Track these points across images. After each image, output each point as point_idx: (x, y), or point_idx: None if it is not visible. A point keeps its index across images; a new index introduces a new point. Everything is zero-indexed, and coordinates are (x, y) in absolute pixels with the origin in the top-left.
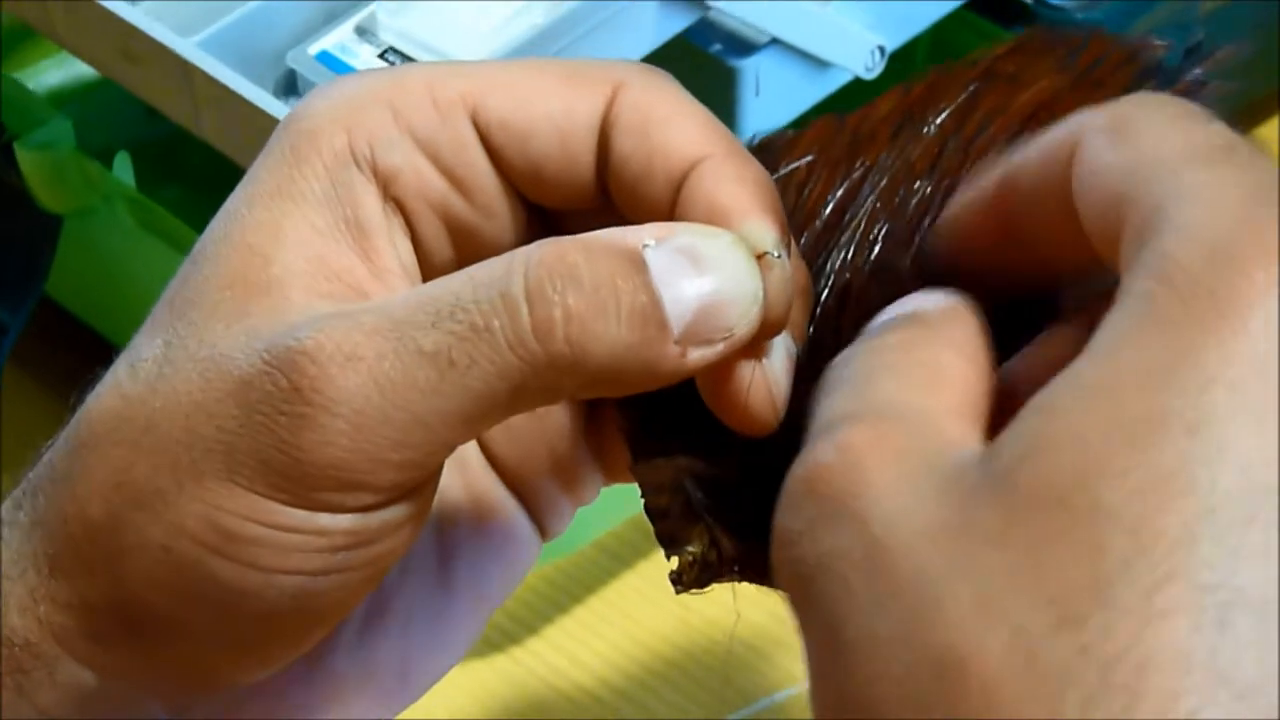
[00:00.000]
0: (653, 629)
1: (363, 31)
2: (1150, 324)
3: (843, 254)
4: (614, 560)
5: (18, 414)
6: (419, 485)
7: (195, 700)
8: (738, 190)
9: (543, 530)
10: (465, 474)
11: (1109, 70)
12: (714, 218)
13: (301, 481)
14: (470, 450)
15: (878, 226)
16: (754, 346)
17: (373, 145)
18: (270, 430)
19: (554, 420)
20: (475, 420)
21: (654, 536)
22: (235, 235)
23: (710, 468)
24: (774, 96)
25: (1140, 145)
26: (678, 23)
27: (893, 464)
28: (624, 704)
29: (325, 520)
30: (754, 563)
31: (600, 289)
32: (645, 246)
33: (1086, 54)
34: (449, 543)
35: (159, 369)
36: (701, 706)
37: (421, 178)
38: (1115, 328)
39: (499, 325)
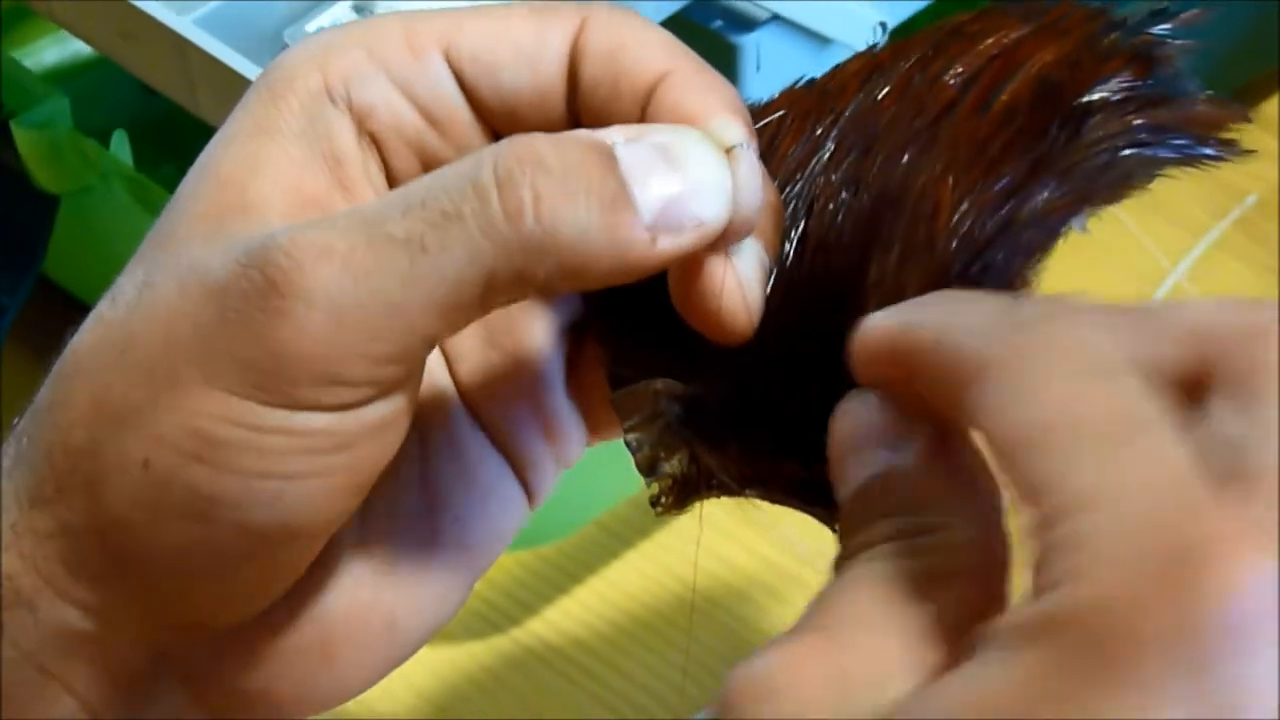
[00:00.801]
0: (654, 609)
1: (360, 9)
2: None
3: (813, 177)
4: (615, 540)
5: (17, 394)
6: (396, 385)
7: (178, 644)
8: (703, 96)
9: (528, 490)
10: (450, 428)
11: (1073, 23)
12: (681, 122)
13: (278, 377)
14: (454, 404)
15: (846, 152)
16: (724, 241)
17: (348, 82)
18: (246, 327)
19: (536, 371)
20: (449, 309)
21: (650, 505)
22: (212, 169)
23: (687, 388)
24: (775, 73)
25: (1042, 405)
26: None
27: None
28: (625, 685)
29: (302, 419)
30: (730, 473)
31: (569, 174)
32: (614, 144)
33: (1050, 15)
34: (433, 492)
35: (138, 293)
36: (702, 687)
37: (396, 113)
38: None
39: (469, 210)
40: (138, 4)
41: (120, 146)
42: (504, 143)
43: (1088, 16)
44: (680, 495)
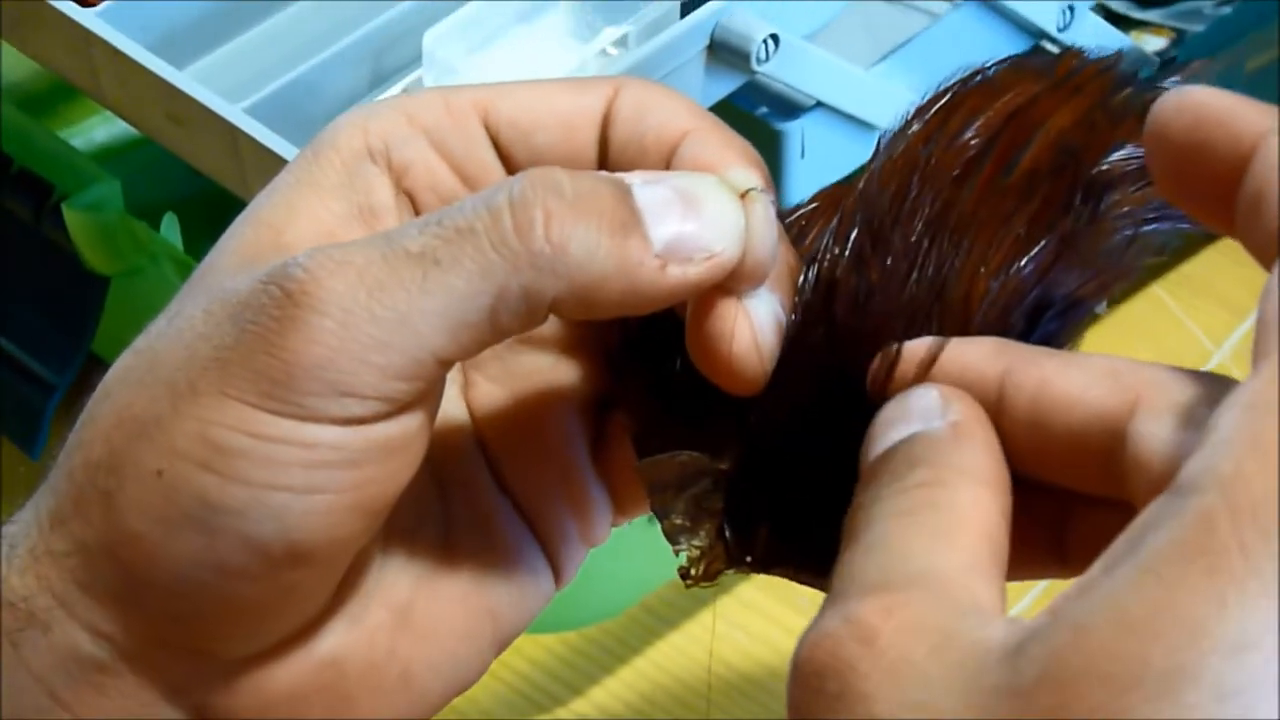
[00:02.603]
0: (697, 690)
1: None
2: (1200, 559)
3: (824, 249)
4: (659, 621)
5: None
6: (406, 406)
7: (191, 678)
8: (720, 149)
9: (554, 564)
10: (474, 491)
11: (1086, 78)
12: (699, 171)
13: (288, 386)
14: (480, 469)
15: (851, 219)
16: (738, 284)
17: (387, 142)
18: (261, 337)
19: (562, 442)
20: (458, 325)
21: (680, 577)
22: (252, 216)
23: (713, 462)
24: (819, 159)
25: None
26: (725, 86)
27: (907, 646)
28: None
29: (311, 431)
30: (758, 553)
31: (582, 199)
32: (632, 184)
33: (1062, 64)
34: (456, 551)
35: (168, 322)
36: None
37: (433, 172)
38: (1163, 548)
39: (482, 226)
40: (189, 91)
41: (170, 229)
42: (522, 172)
43: (1100, 70)
44: (709, 569)
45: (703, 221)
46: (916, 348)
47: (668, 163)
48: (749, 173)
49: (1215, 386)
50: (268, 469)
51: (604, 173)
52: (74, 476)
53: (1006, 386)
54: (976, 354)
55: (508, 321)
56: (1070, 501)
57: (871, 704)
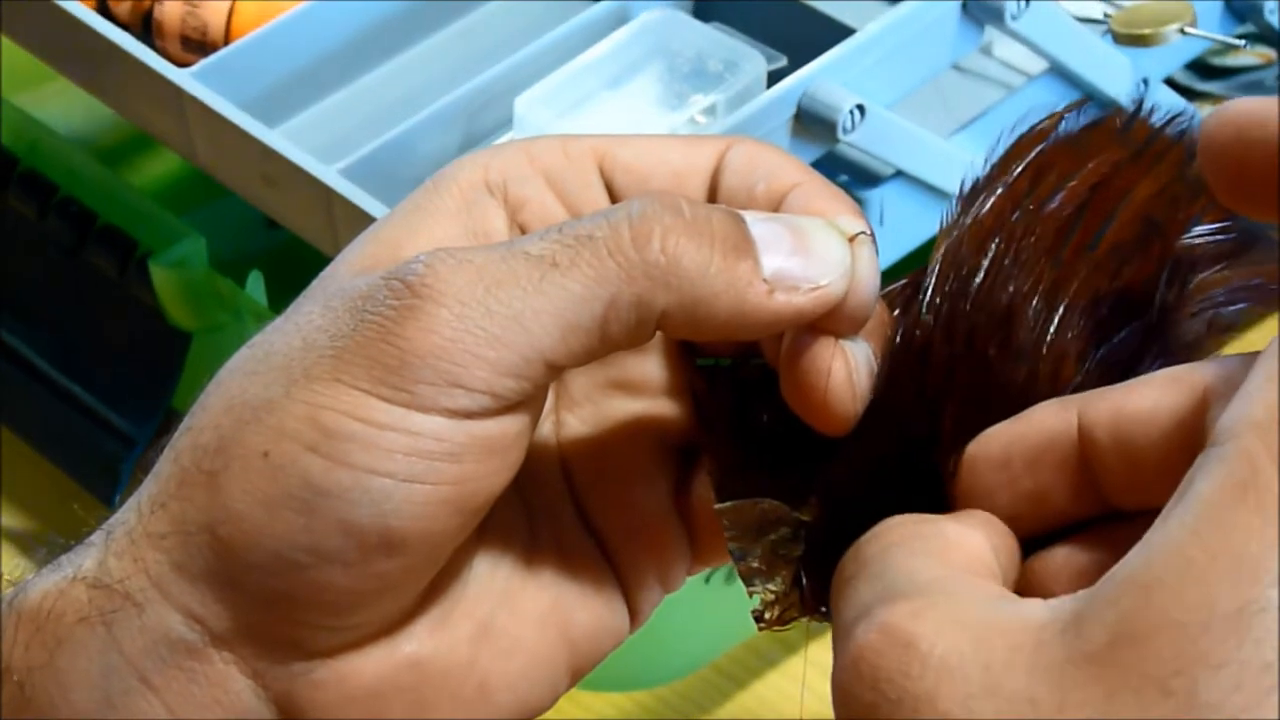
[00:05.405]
0: None
1: None
2: (1248, 498)
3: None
4: (728, 681)
5: None
6: (511, 406)
7: (277, 670)
8: (829, 200)
9: (631, 607)
10: (558, 519)
11: (1165, 146)
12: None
13: (401, 372)
14: (565, 500)
15: (945, 276)
16: (838, 325)
17: (506, 177)
18: (379, 325)
19: (647, 487)
20: (569, 328)
21: (754, 621)
22: (370, 235)
23: (793, 512)
24: (898, 226)
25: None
26: (809, 155)
27: (950, 642)
28: None
29: (418, 420)
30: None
31: (699, 221)
32: (747, 218)
33: (1137, 129)
34: (537, 576)
35: (285, 319)
36: None
37: (547, 209)
38: (1211, 494)
39: (602, 236)
40: (284, 153)
41: (256, 287)
42: (645, 193)
43: (1176, 138)
44: (783, 614)
45: (811, 256)
46: (986, 447)
47: (776, 211)
48: (854, 220)
49: None
50: (372, 454)
51: (720, 205)
52: (179, 460)
53: (1083, 428)
54: (1045, 416)
55: (617, 331)
56: None
57: (935, 702)
